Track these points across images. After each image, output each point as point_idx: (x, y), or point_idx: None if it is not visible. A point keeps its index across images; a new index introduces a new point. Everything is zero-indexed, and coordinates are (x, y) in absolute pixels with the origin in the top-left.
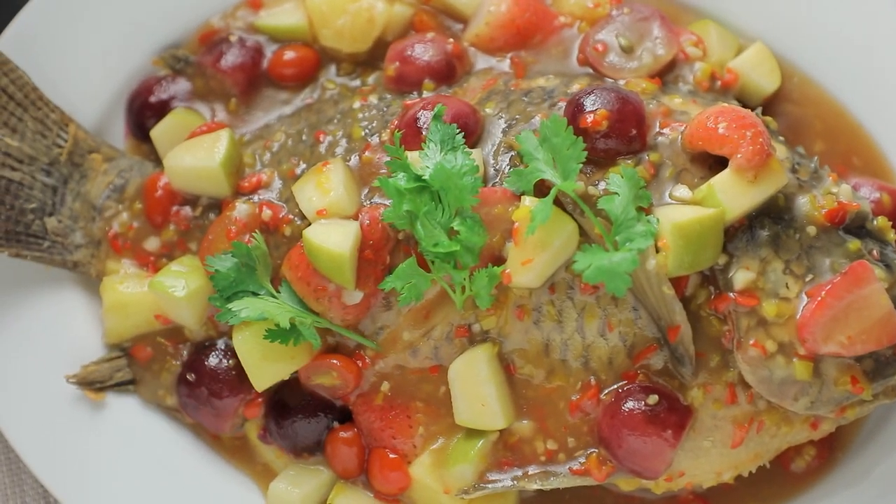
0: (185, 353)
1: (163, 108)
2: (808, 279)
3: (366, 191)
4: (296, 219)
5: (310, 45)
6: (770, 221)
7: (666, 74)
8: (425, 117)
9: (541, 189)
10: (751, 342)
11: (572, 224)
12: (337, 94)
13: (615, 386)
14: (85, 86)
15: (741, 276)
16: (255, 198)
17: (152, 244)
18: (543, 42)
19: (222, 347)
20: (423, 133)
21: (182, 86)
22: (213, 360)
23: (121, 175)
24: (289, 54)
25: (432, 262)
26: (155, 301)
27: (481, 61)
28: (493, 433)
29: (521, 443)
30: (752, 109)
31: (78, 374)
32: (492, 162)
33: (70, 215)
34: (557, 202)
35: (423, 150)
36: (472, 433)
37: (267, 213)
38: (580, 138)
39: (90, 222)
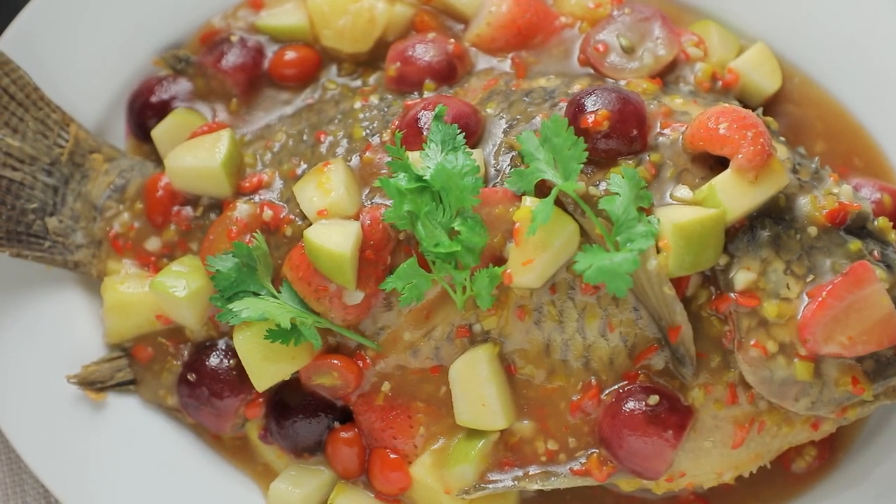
0: (185, 353)
1: (164, 109)
2: (808, 280)
3: (367, 191)
4: (297, 219)
5: (311, 46)
6: (771, 222)
7: (667, 75)
8: (426, 118)
9: (542, 189)
10: (751, 342)
11: (573, 224)
12: (338, 95)
13: (616, 386)
14: (86, 86)
15: (742, 277)
16: (256, 198)
17: (153, 244)
18: (544, 42)
19: (223, 347)
20: (424, 133)
21: (183, 86)
22: (213, 361)
23: (122, 175)
24: (290, 54)
25: (433, 263)
26: (156, 301)
27: (482, 61)
28: (494, 433)
29: (521, 443)
30: (753, 110)
31: (79, 374)
32: (493, 162)
33: (71, 215)
34: (558, 202)
35: (424, 150)
36: (473, 433)
37: (268, 214)
38: (581, 138)
39: (91, 222)
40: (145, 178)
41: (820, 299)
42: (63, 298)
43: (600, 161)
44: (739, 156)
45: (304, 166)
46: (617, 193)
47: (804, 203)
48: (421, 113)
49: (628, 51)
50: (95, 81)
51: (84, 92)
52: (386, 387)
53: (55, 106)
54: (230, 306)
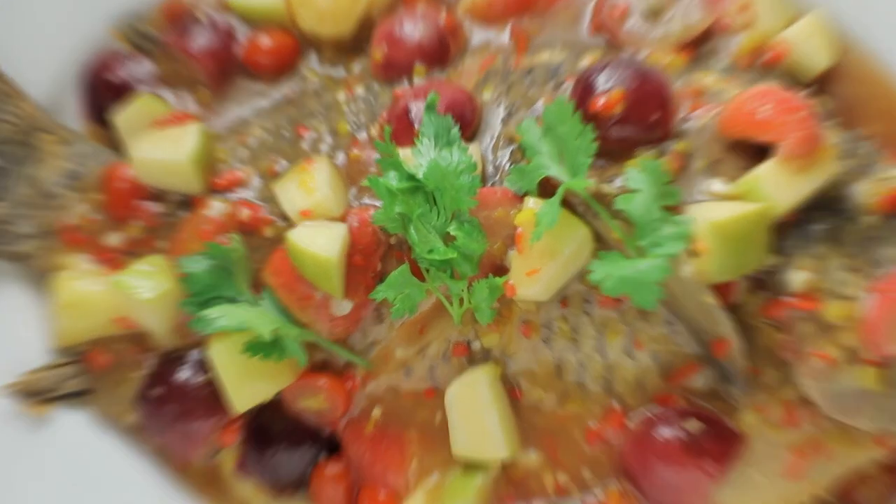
0: (149, 363)
1: (124, 90)
2: (871, 274)
3: (354, 190)
4: (277, 220)
5: (288, 31)
6: (823, 214)
7: (699, 46)
8: (417, 108)
9: (546, 188)
10: (813, 351)
11: (584, 228)
12: (319, 86)
13: (645, 411)
14: (34, 55)
15: (796, 277)
16: (232, 196)
17: (113, 239)
18: (549, 6)
19: (194, 360)
20: (416, 126)
21: (146, 68)
22: (183, 375)
23: (79, 162)
24: (264, 41)
25: (427, 271)
26: (113, 302)
27: (478, 35)
28: (495, 466)
29: (526, 477)
30: (804, 88)
31: (20, 382)
32: (491, 158)
33: (19, 201)
34: (566, 203)
35: (415, 145)
36: (471, 467)
37: (245, 213)
38: (590, 126)
39: (42, 210)
40: (105, 167)
41: (886, 295)
42: (2, 296)
43: (614, 152)
44: (785, 142)
45: (284, 163)
46: (636, 190)
47: (859, 191)
48: (411, 103)
49: (653, 14)
50: (42, 50)
51: (31, 61)
52: (377, 413)
53: (7, 78)
54: (205, 313)
